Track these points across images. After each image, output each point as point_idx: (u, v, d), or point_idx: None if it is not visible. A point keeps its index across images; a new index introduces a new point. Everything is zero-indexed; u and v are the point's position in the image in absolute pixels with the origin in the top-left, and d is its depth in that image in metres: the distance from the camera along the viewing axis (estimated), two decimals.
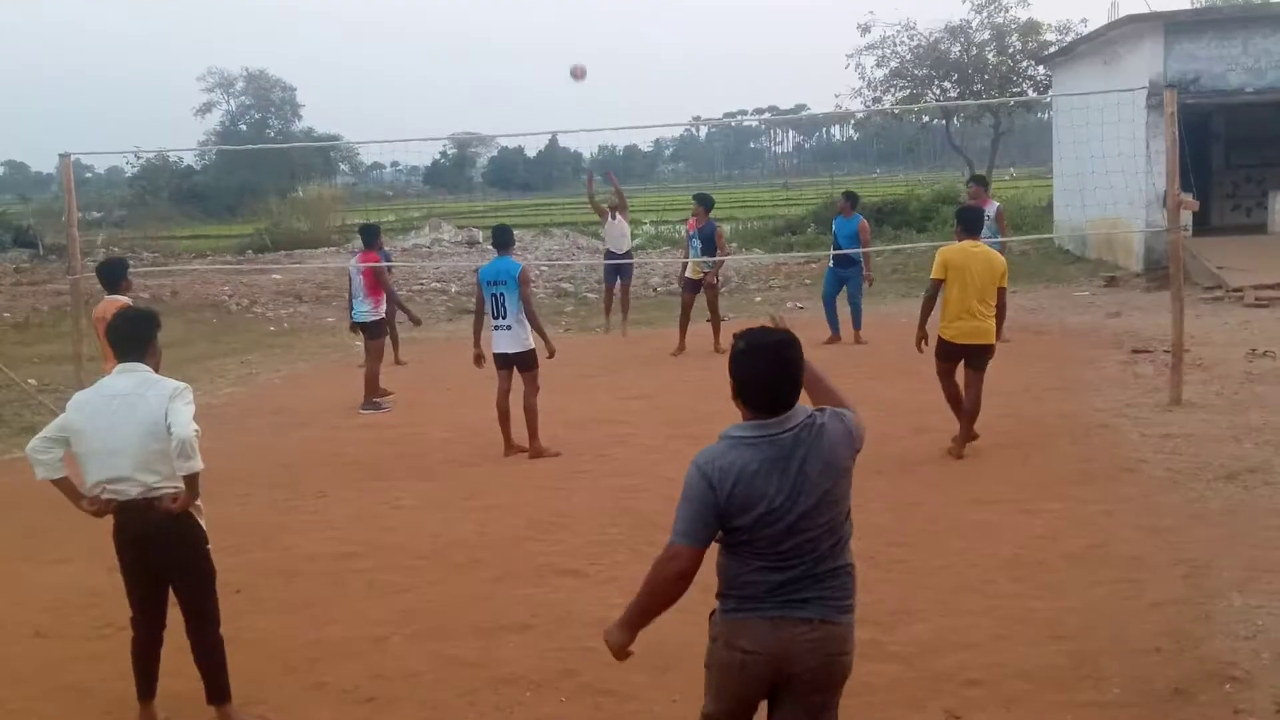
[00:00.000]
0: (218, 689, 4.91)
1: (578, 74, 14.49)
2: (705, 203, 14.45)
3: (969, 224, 8.85)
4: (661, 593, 3.50)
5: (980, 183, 13.98)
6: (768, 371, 3.31)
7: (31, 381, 13.59)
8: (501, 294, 9.37)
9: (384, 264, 12.50)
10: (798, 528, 3.27)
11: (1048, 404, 10.31)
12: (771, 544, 3.29)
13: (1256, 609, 5.54)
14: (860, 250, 14.03)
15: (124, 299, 8.85)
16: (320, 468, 9.39)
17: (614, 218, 16.20)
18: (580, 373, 13.24)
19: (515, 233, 10.28)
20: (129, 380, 4.77)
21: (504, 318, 9.40)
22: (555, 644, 5.64)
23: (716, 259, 14.31)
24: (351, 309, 12.45)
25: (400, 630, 5.92)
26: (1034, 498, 7.55)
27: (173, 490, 4.72)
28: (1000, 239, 12.82)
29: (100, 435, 4.70)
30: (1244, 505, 7.13)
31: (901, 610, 5.71)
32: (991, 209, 12.97)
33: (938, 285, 8.67)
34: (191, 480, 4.69)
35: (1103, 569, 6.21)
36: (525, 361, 9.52)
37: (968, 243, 8.69)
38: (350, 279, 12.64)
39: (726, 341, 12.96)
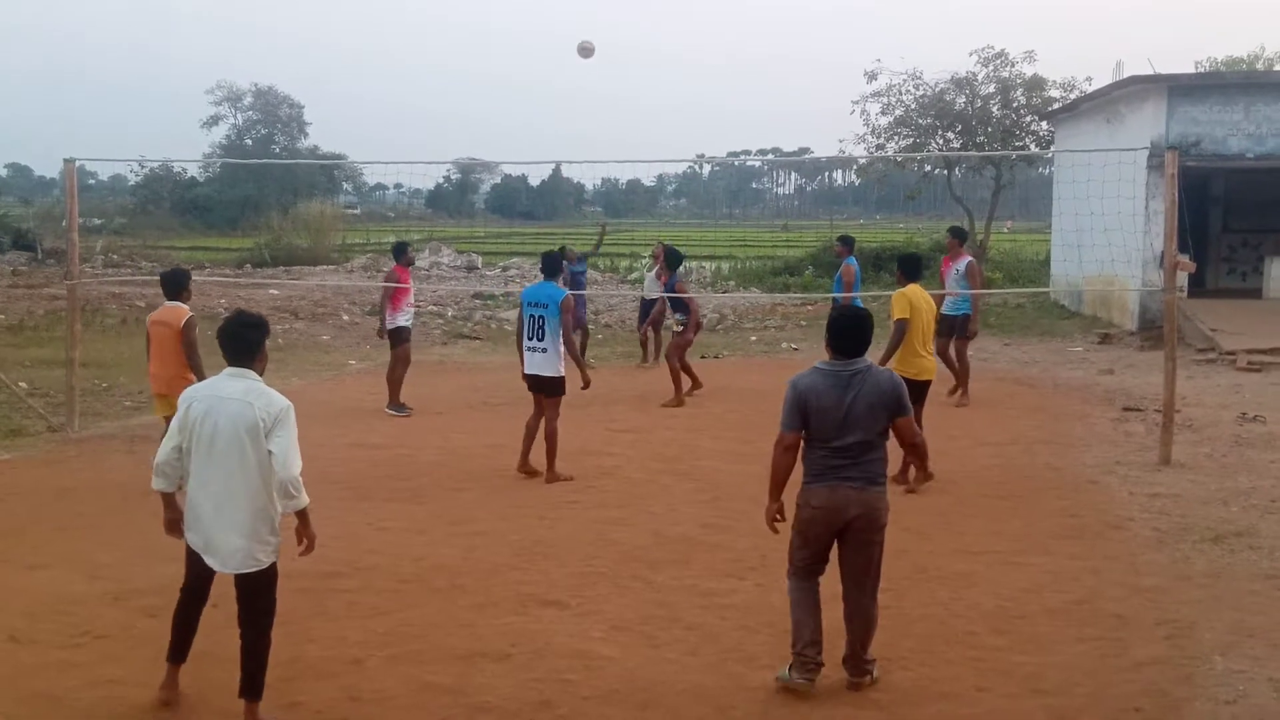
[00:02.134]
0: (253, 684, 5.00)
1: (585, 50, 14.83)
2: (671, 260, 14.30)
3: (911, 270, 9.56)
4: (781, 466, 5.38)
5: (958, 235, 13.79)
6: (844, 330, 5.34)
7: (22, 384, 13.54)
8: (542, 316, 9.52)
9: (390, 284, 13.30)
10: (845, 434, 5.22)
11: (1037, 457, 10.32)
12: (827, 441, 5.25)
13: (1238, 673, 5.52)
14: (839, 295, 13.96)
15: (184, 306, 8.99)
16: (307, 485, 9.28)
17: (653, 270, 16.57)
18: (572, 403, 13.19)
19: (515, 259, 10.34)
20: (238, 386, 4.99)
21: (541, 340, 9.54)
22: (533, 675, 5.60)
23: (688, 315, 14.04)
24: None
25: (378, 652, 5.88)
26: (1020, 551, 7.55)
27: (269, 560, 5.01)
28: (970, 292, 12.69)
29: (204, 443, 4.90)
30: (1229, 568, 7.13)
31: (885, 657, 5.68)
32: (963, 264, 12.81)
33: (905, 325, 9.13)
34: (303, 514, 5.01)
35: (1086, 626, 6.19)
36: (553, 387, 9.60)
37: (915, 286, 9.34)
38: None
39: (704, 389, 12.73)
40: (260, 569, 4.99)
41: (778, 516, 5.46)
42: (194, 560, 5.09)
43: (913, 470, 8.67)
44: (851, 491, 5.24)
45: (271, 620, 5.09)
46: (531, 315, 9.57)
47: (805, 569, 5.44)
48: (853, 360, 5.31)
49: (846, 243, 14.70)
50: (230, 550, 4.93)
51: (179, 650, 5.20)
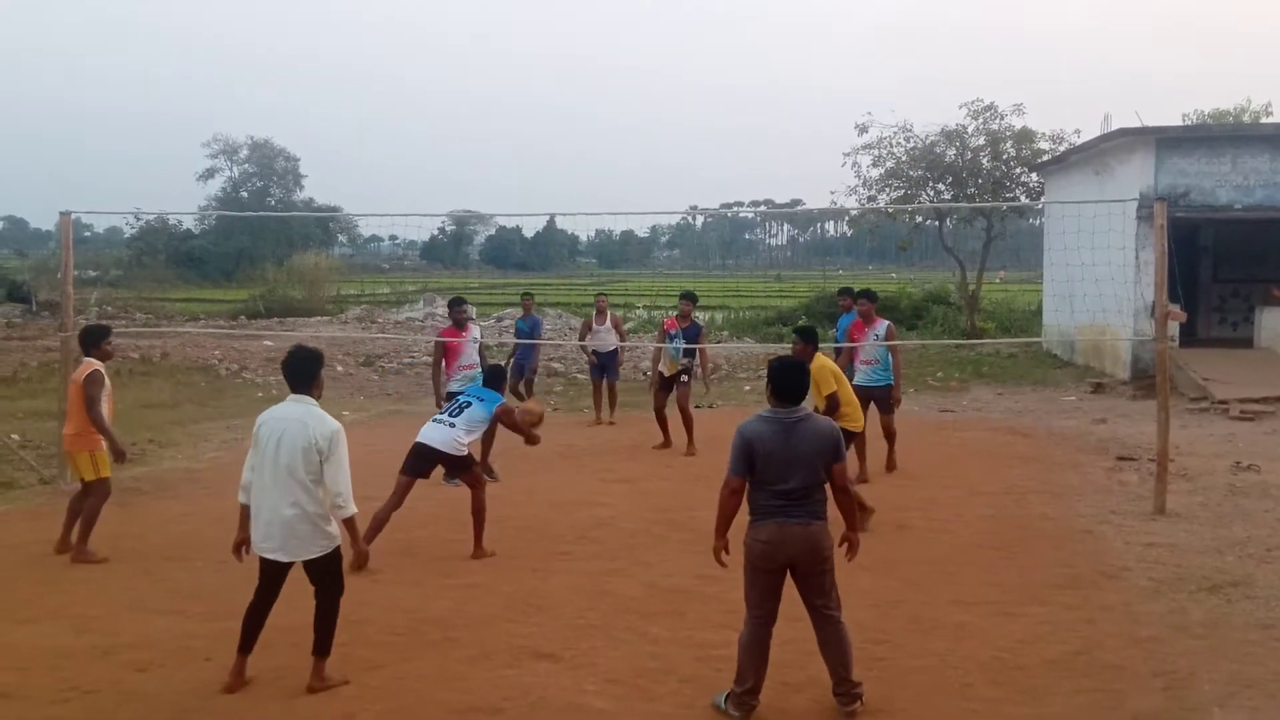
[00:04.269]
0: (323, 644, 5.97)
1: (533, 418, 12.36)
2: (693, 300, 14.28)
3: (811, 339, 9.57)
4: (727, 508, 5.72)
5: (870, 297, 12.34)
6: (783, 379, 5.67)
7: (14, 436, 13.51)
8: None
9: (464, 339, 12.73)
10: (789, 478, 5.54)
11: (1031, 507, 10.30)
12: (773, 482, 5.56)
13: None
14: (848, 344, 13.89)
15: (92, 361, 8.88)
16: None
17: (601, 324, 16.28)
18: (566, 454, 13.22)
19: (509, 310, 10.24)
20: (298, 409, 5.97)
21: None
22: None
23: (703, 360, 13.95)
24: None
25: (369, 707, 5.81)
26: (1016, 601, 7.51)
27: (330, 547, 5.98)
28: (887, 343, 11.85)
29: (270, 457, 5.85)
30: (1226, 618, 7.09)
31: (880, 710, 5.64)
32: (881, 327, 12.03)
33: (838, 398, 9.41)
34: (350, 524, 6.07)
35: (1083, 677, 6.16)
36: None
37: (820, 354, 9.59)
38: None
39: (699, 442, 12.70)
40: (324, 554, 5.95)
41: (724, 552, 5.81)
42: (264, 567, 5.97)
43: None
44: (797, 528, 5.54)
45: (339, 592, 6.04)
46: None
47: (760, 613, 5.65)
48: (794, 408, 5.65)
49: (850, 294, 14.62)
50: (296, 543, 5.86)
51: (247, 643, 6.01)
